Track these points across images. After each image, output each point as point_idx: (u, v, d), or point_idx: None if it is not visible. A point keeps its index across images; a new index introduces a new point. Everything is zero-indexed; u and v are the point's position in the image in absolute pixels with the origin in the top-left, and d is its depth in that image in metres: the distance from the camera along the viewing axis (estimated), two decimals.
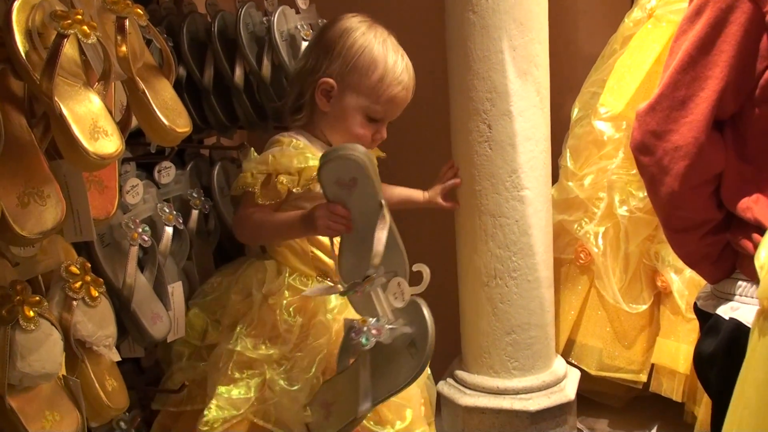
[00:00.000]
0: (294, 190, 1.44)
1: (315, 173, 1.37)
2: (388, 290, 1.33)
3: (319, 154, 1.39)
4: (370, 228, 1.34)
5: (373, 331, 1.28)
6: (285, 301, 1.46)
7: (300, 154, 1.47)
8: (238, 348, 1.42)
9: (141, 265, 1.34)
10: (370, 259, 1.32)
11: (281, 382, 1.41)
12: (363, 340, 1.27)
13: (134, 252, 1.29)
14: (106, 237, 1.29)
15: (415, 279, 1.36)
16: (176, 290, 1.42)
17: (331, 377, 1.38)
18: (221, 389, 1.40)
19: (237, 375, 1.41)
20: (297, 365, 1.43)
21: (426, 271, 1.39)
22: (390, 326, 1.30)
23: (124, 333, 1.31)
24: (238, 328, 1.45)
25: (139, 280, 1.30)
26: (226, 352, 1.44)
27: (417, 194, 1.79)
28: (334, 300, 1.48)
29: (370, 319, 1.30)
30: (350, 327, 1.31)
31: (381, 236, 1.33)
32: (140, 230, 1.29)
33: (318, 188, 1.39)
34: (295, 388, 1.41)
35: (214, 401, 1.39)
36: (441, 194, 1.78)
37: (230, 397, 1.39)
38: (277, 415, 1.41)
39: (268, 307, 1.46)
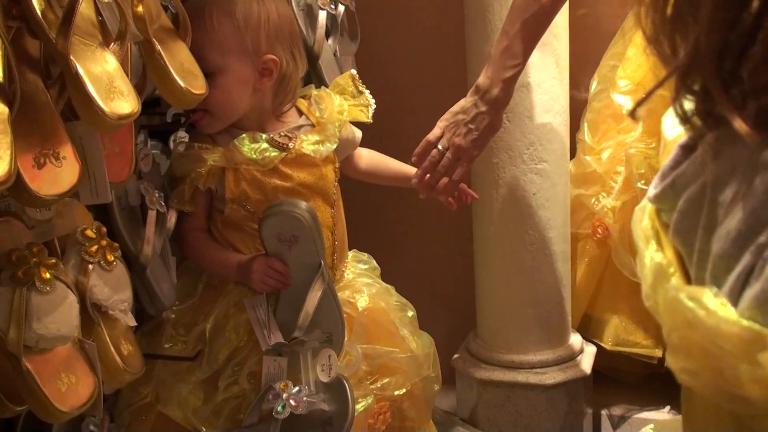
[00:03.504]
0: (185, 209, 1.35)
1: (200, 179, 1.32)
2: (318, 359, 1.31)
3: (211, 150, 1.32)
4: (308, 286, 1.32)
5: (292, 402, 1.25)
6: (174, 316, 1.38)
7: (188, 158, 1.35)
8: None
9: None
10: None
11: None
12: (278, 408, 1.25)
13: (152, 216, 1.27)
14: (122, 200, 1.28)
15: None
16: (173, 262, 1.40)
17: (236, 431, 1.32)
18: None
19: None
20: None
21: (357, 351, 1.36)
22: (309, 399, 1.27)
23: None
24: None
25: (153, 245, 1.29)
26: None
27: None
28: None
29: (291, 386, 1.27)
30: (269, 388, 1.27)
31: (314, 297, 1.31)
32: (157, 195, 1.29)
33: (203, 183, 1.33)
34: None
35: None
36: None
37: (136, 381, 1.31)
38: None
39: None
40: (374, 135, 1.62)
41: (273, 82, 1.37)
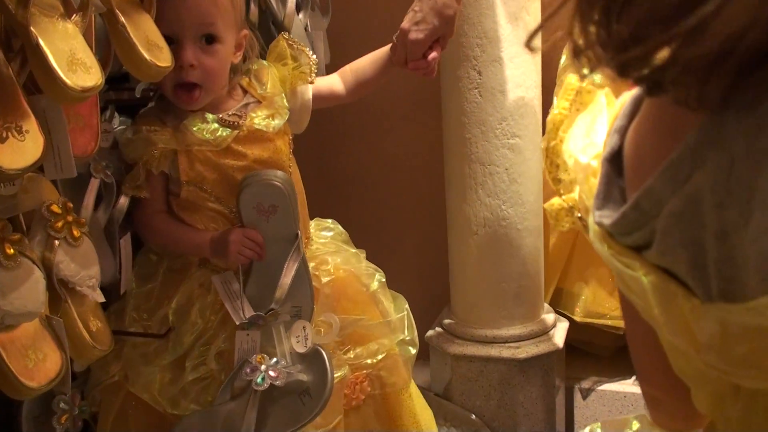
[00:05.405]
0: (140, 194, 1.30)
1: (153, 163, 1.28)
2: (291, 331, 1.30)
3: (160, 132, 1.28)
4: (282, 258, 1.31)
5: (271, 373, 1.25)
6: (133, 300, 1.35)
7: (138, 142, 1.30)
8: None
9: (97, 202, 1.28)
10: (274, 292, 1.29)
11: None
12: (258, 380, 1.24)
13: (94, 184, 1.23)
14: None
15: None
16: (126, 242, 1.35)
17: (209, 408, 1.30)
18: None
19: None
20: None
21: (335, 320, 1.36)
22: (287, 370, 1.27)
23: None
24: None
25: (93, 216, 1.25)
26: None
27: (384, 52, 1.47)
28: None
29: (268, 358, 1.27)
30: (245, 362, 1.26)
31: (291, 269, 1.30)
32: (104, 164, 1.25)
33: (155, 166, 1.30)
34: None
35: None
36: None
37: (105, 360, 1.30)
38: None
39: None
40: (345, 107, 1.60)
41: (239, 58, 1.34)
